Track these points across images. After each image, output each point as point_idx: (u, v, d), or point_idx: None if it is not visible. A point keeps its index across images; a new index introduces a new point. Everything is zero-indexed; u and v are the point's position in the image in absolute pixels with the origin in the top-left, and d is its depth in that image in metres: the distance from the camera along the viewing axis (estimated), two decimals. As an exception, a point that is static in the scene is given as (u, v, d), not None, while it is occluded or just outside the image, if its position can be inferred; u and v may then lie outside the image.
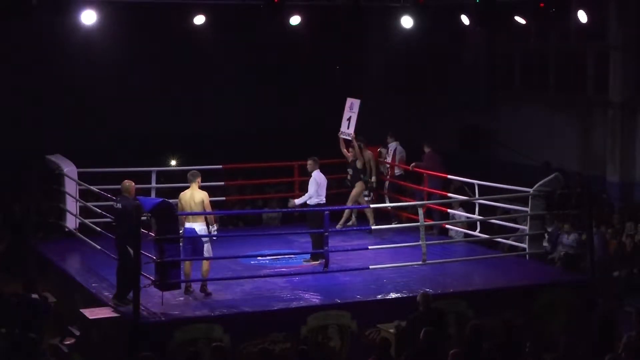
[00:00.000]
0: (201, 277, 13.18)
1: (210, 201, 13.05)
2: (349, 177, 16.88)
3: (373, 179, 17.10)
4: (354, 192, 16.65)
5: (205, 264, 13.17)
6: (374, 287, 13.72)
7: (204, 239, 13.04)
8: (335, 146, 17.12)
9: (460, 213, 16.73)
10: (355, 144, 16.49)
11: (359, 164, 16.60)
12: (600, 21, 19.56)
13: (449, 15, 18.17)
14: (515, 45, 22.58)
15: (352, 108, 16.60)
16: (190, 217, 12.99)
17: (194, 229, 13.00)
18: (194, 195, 13.11)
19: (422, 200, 16.45)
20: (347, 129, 16.61)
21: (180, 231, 12.86)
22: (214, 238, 13.25)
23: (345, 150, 16.76)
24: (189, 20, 16.63)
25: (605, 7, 19.64)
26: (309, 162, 15.23)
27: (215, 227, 13.28)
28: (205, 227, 13.10)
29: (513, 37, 22.04)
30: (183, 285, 13.00)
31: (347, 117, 16.64)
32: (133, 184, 13.21)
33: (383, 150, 17.96)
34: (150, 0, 16.94)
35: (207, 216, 13.14)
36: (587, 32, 19.88)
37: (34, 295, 13.20)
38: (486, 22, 17.67)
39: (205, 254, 13.09)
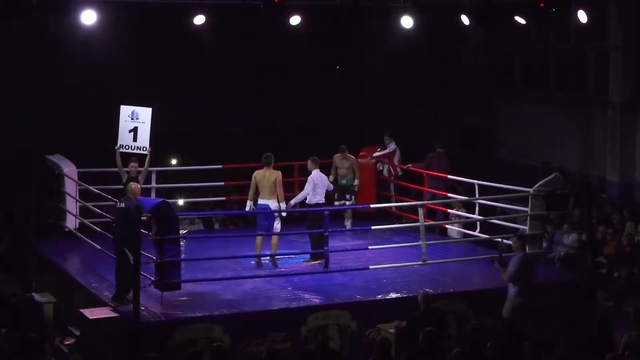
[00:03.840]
0: (271, 251, 14.55)
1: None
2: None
3: (356, 182, 16.94)
4: None
5: (274, 238, 14.51)
6: (374, 287, 13.73)
7: (275, 215, 14.38)
8: (336, 146, 17.06)
9: (460, 213, 16.71)
10: (149, 159, 15.13)
11: (141, 179, 14.97)
12: (600, 21, 19.54)
13: (449, 15, 18.16)
14: (515, 45, 22.56)
15: (136, 117, 15.17)
16: (265, 194, 14.41)
17: (268, 205, 14.41)
18: (267, 175, 14.46)
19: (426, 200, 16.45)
20: (135, 142, 15.10)
21: (249, 205, 14.55)
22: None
23: (120, 163, 15.18)
24: (189, 20, 16.64)
25: (605, 7, 19.63)
26: (309, 162, 15.28)
27: (284, 205, 14.49)
28: (277, 203, 14.41)
29: (513, 37, 22.03)
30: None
31: (131, 127, 15.14)
32: (139, 186, 13.27)
33: (380, 165, 17.97)
34: (150, 0, 16.93)
35: (278, 194, 14.42)
36: (587, 32, 19.86)
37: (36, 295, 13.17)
38: (486, 22, 17.67)
39: (275, 229, 14.41)
